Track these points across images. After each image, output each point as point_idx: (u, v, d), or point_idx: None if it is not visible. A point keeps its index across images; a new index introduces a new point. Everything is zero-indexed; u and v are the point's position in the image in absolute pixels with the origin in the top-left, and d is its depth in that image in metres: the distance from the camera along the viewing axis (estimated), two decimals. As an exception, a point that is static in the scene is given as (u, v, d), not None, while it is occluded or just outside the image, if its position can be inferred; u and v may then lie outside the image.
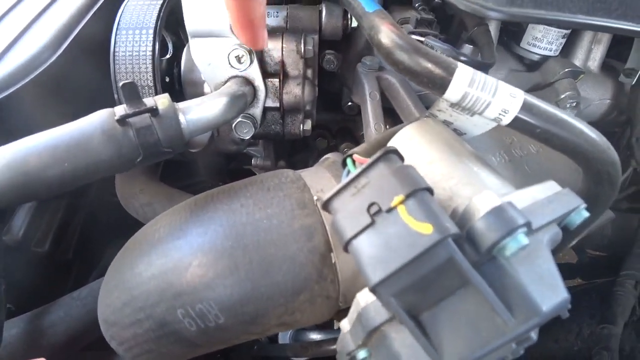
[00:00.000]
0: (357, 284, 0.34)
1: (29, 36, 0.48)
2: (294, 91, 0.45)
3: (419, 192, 0.21)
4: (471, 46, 0.53)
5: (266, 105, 0.45)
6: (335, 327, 0.85)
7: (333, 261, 0.32)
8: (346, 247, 0.22)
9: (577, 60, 0.59)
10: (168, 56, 0.50)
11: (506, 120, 0.27)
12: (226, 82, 0.42)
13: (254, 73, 0.42)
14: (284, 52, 0.45)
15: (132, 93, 0.31)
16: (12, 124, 0.44)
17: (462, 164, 0.28)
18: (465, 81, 0.26)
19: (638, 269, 0.53)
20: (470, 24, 0.54)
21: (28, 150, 0.30)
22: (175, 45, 0.52)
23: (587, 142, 0.27)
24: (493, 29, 0.56)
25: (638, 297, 0.52)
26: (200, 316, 0.31)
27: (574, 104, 0.53)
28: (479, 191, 0.25)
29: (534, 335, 0.20)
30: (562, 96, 0.53)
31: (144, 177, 0.64)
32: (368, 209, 0.21)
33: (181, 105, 0.34)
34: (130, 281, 0.33)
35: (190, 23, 0.40)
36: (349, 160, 0.27)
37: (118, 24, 0.43)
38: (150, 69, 0.42)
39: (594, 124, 0.30)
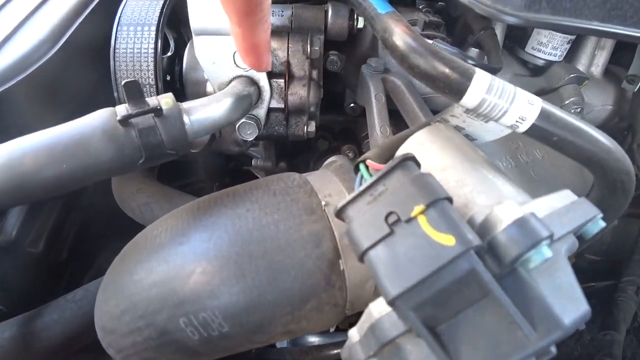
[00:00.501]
0: (365, 291, 0.33)
1: (23, 32, 0.46)
2: (299, 92, 0.44)
3: (439, 202, 0.20)
4: (477, 50, 0.53)
5: (270, 106, 0.44)
6: (332, 329, 0.84)
7: (341, 268, 0.31)
8: (362, 257, 0.21)
9: (581, 66, 0.59)
10: (170, 54, 0.48)
11: (523, 127, 0.26)
12: (230, 81, 0.41)
13: (259, 73, 0.41)
14: (289, 52, 0.44)
15: (135, 92, 0.29)
16: (6, 122, 0.43)
17: (475, 171, 0.27)
18: (483, 87, 0.26)
19: (639, 275, 0.54)
20: (477, 27, 0.53)
21: (24, 150, 0.29)
22: (177, 43, 0.50)
23: (602, 151, 0.27)
24: (499, 32, 0.56)
25: (639, 303, 0.52)
26: (203, 325, 0.30)
27: (579, 110, 0.53)
28: (494, 199, 0.25)
29: (553, 349, 0.20)
30: (567, 102, 0.53)
31: (142, 176, 0.62)
32: (386, 219, 0.21)
33: (185, 105, 0.33)
34: (129, 288, 0.32)
35: (195, 20, 0.39)
36: (362, 166, 0.26)
37: (119, 20, 0.42)
38: (152, 66, 0.41)
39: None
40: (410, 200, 0.20)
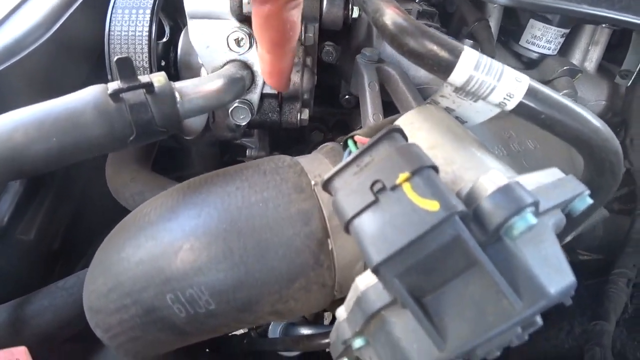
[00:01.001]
0: (354, 272, 0.33)
1: (17, 17, 0.46)
2: (293, 78, 0.44)
3: (424, 169, 0.20)
4: (471, 41, 0.53)
5: (264, 91, 0.44)
6: (327, 322, 0.84)
7: (330, 247, 0.31)
8: (347, 226, 0.21)
9: (575, 61, 0.60)
10: (165, 39, 0.48)
11: (510, 105, 0.27)
12: (224, 65, 0.41)
13: (253, 57, 0.41)
14: (284, 38, 0.44)
15: (127, 69, 0.29)
16: (14, 92, 0.43)
17: (464, 149, 0.27)
18: (470, 64, 0.26)
19: (630, 267, 0.54)
20: (471, 19, 0.54)
21: (14, 124, 0.29)
22: (172, 29, 0.50)
23: (590, 130, 0.27)
24: (493, 25, 0.57)
25: (630, 295, 0.52)
26: (190, 302, 0.30)
27: (571, 103, 0.54)
28: (482, 174, 0.25)
29: (539, 319, 0.20)
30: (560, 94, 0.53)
31: (136, 165, 0.62)
32: (371, 187, 0.21)
33: (177, 84, 0.33)
34: (117, 266, 0.32)
35: (189, 3, 0.39)
36: (350, 142, 0.26)
37: (114, 3, 0.42)
38: (146, 49, 0.41)
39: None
40: (396, 168, 0.20)
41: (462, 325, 0.20)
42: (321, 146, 0.40)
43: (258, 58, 0.35)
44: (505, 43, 0.61)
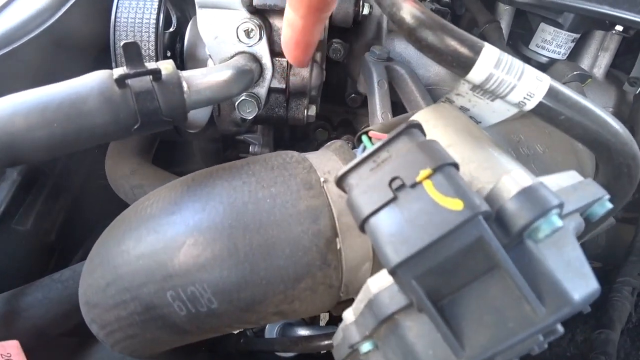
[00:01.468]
0: (361, 273, 0.32)
1: (13, 8, 0.45)
2: (302, 73, 0.44)
3: (446, 166, 0.19)
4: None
5: (272, 85, 0.43)
6: (323, 323, 0.82)
7: (338, 247, 0.30)
8: (363, 224, 0.20)
9: (583, 66, 0.59)
10: (172, 29, 0.47)
11: (530, 105, 0.26)
12: (232, 57, 0.40)
13: (262, 50, 0.40)
14: (293, 32, 0.43)
15: (134, 54, 0.28)
16: (11, 83, 0.42)
17: (481, 148, 0.27)
18: (491, 62, 0.25)
19: (634, 276, 0.53)
20: (482, 20, 0.53)
21: (15, 108, 0.28)
22: (180, 20, 0.49)
23: (609, 133, 0.26)
24: (503, 28, 0.56)
25: (634, 304, 0.51)
26: (191, 300, 0.29)
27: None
28: (500, 175, 0.24)
29: (560, 327, 0.19)
30: (569, 99, 0.53)
31: (137, 158, 0.61)
32: (390, 184, 0.20)
33: (185, 73, 0.32)
34: (116, 259, 0.30)
35: (199, -8, 0.38)
36: (365, 137, 0.25)
37: (120, -11, 0.41)
38: (152, 38, 0.40)
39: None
40: (416, 165, 0.19)
41: (481, 331, 0.19)
42: (329, 143, 0.39)
43: (284, 26, 0.30)
44: (515, 47, 0.60)
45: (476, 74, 0.25)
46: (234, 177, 0.31)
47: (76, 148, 0.30)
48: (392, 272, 0.19)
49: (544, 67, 0.58)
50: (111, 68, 0.30)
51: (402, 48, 0.54)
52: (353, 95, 0.61)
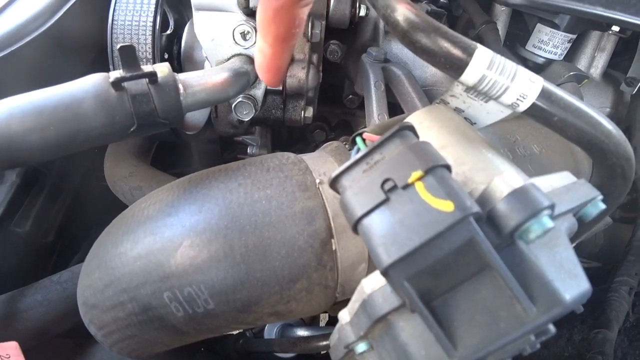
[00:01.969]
0: (356, 274, 0.33)
1: (13, 9, 0.46)
2: (298, 75, 0.44)
3: (438, 168, 0.19)
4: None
5: (268, 87, 0.44)
6: (323, 324, 0.83)
7: (333, 248, 0.30)
8: (356, 226, 0.21)
9: (580, 67, 0.60)
10: (169, 32, 0.48)
11: (523, 106, 0.26)
12: (229, 59, 0.40)
13: (259, 52, 0.40)
14: (290, 34, 0.43)
15: (130, 57, 0.29)
16: (10, 84, 0.42)
17: (475, 149, 0.27)
18: (484, 63, 0.25)
19: (632, 275, 0.53)
20: (479, 21, 0.53)
21: (11, 111, 0.28)
22: (177, 23, 0.50)
23: (603, 134, 0.26)
24: (500, 29, 0.56)
25: (632, 304, 0.51)
26: (188, 300, 0.29)
27: (577, 108, 0.53)
28: (493, 177, 0.24)
29: (552, 327, 0.19)
30: (566, 100, 0.53)
31: (135, 160, 0.61)
32: (382, 185, 0.20)
33: (181, 76, 0.32)
34: (113, 260, 0.31)
35: (195, -6, 0.38)
36: (358, 139, 0.25)
37: (118, -8, 0.41)
38: (150, 40, 0.40)
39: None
40: (408, 166, 0.20)
41: (473, 331, 0.19)
42: (325, 144, 0.40)
43: (256, 51, 0.33)
44: (512, 47, 0.60)
45: (469, 76, 0.26)
46: (230, 179, 0.31)
47: (72, 150, 0.30)
48: (384, 272, 0.19)
49: (540, 67, 0.58)
50: (109, 70, 0.30)
51: (399, 49, 0.54)
52: (351, 96, 0.62)
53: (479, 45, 0.26)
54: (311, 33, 0.44)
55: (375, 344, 0.24)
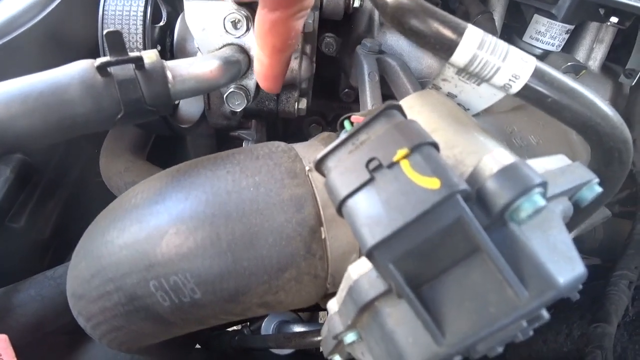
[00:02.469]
0: (348, 264, 0.32)
1: (5, 1, 0.45)
2: (291, 65, 0.43)
3: (424, 146, 0.19)
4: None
5: (261, 79, 0.43)
6: (321, 320, 0.82)
7: (323, 236, 0.30)
8: (340, 207, 0.20)
9: (578, 59, 0.59)
10: (161, 24, 0.47)
11: (515, 87, 0.25)
12: (220, 48, 0.39)
13: (250, 41, 0.39)
14: (282, 24, 0.42)
15: (117, 42, 0.28)
16: (7, 73, 0.42)
17: (466, 132, 0.26)
18: (474, 43, 0.25)
19: (632, 269, 0.52)
20: (475, 11, 0.53)
21: (-5, 97, 0.28)
22: (170, 15, 0.49)
23: (599, 116, 0.25)
24: (497, 20, 0.56)
25: (631, 298, 0.50)
26: (174, 290, 0.29)
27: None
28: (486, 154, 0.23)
29: (545, 313, 0.18)
30: (564, 91, 0.52)
31: (131, 155, 0.61)
32: (367, 165, 0.19)
33: (170, 63, 0.32)
34: (100, 250, 0.30)
35: (185, -17, 0.37)
36: (346, 122, 0.25)
37: (108, -18, 0.41)
38: (140, 29, 0.39)
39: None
40: (393, 144, 0.19)
41: (462, 317, 0.18)
42: (318, 135, 0.39)
43: (254, 60, 0.34)
44: (508, 39, 0.59)
45: (460, 56, 0.25)
46: (219, 167, 0.31)
47: (60, 137, 0.30)
48: (369, 254, 0.18)
49: (538, 59, 0.57)
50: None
51: (394, 40, 0.54)
52: (347, 90, 0.61)
53: (469, 24, 0.25)
54: (304, 23, 0.43)
55: (364, 334, 0.23)
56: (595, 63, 0.59)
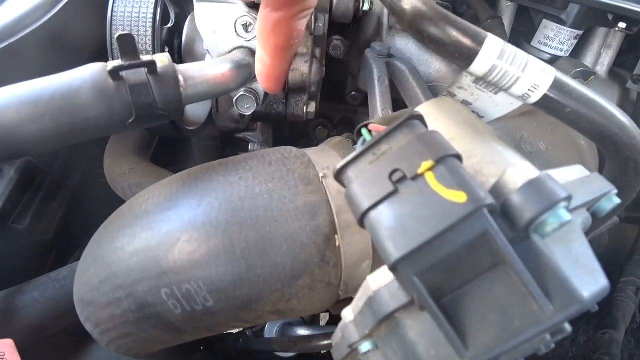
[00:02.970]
0: (360, 271, 0.32)
1: (10, 2, 0.45)
2: (301, 69, 0.43)
3: (449, 158, 0.19)
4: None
5: (270, 82, 0.43)
6: (323, 323, 0.82)
7: (337, 244, 0.29)
8: (362, 219, 0.20)
9: (586, 64, 0.59)
10: (170, 25, 0.47)
11: (534, 98, 0.25)
12: (231, 52, 0.39)
13: (261, 45, 0.39)
14: (293, 27, 0.42)
15: (129, 47, 0.28)
16: (12, 75, 0.42)
17: (484, 142, 0.26)
18: (494, 52, 0.24)
19: (639, 275, 0.52)
20: (484, 16, 0.52)
21: (6, 100, 0.27)
22: (178, 17, 0.49)
23: (617, 127, 0.25)
24: (506, 25, 0.55)
25: (638, 304, 0.51)
26: (186, 297, 0.28)
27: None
28: (504, 169, 0.23)
29: (568, 326, 0.18)
30: (573, 96, 0.52)
31: (135, 157, 0.61)
32: (390, 176, 0.19)
33: (182, 67, 0.31)
34: (110, 256, 0.30)
35: (196, -15, 0.37)
36: (364, 130, 0.24)
37: (117, -17, 0.40)
38: (150, 32, 0.39)
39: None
40: (418, 156, 0.19)
41: (486, 330, 0.18)
42: (329, 139, 0.39)
43: (256, 60, 0.34)
44: (517, 44, 0.59)
45: (479, 66, 0.25)
46: (231, 173, 0.31)
47: (70, 141, 0.29)
48: (393, 267, 0.18)
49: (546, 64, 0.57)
50: (108, 63, 0.29)
51: (403, 44, 0.53)
52: (354, 93, 0.61)
53: (489, 34, 0.25)
54: (314, 26, 0.43)
55: (381, 344, 0.23)
56: (602, 68, 0.59)
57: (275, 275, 0.29)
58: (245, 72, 0.36)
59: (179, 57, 0.48)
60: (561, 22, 0.53)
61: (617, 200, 0.24)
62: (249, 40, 0.39)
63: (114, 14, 0.39)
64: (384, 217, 0.19)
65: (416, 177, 0.18)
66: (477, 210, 0.17)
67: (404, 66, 0.49)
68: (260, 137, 0.59)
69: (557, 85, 0.25)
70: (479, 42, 0.24)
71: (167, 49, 0.46)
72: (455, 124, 0.27)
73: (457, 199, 0.17)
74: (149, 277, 0.28)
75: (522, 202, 0.18)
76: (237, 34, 0.38)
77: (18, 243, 0.57)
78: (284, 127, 0.66)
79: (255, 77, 0.41)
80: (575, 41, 0.55)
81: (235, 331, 0.67)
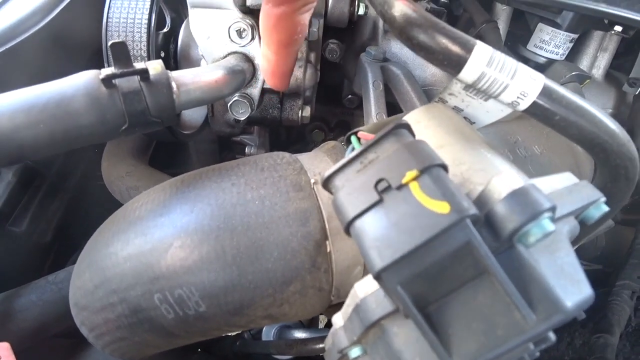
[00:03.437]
0: (352, 277, 0.32)
1: (10, 6, 0.45)
2: (295, 73, 0.43)
3: (434, 168, 0.19)
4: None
5: (265, 86, 0.43)
6: (322, 325, 0.82)
7: (328, 250, 0.30)
8: (348, 227, 0.20)
9: (582, 67, 0.59)
10: (165, 30, 0.47)
11: (523, 105, 0.25)
12: (225, 57, 0.39)
13: (255, 50, 0.39)
14: (287, 32, 0.42)
15: (122, 54, 0.28)
16: (11, 78, 0.42)
17: (473, 149, 0.26)
18: (483, 60, 0.24)
19: (634, 279, 0.52)
20: (479, 20, 0.53)
21: (0, 108, 0.27)
22: (174, 21, 0.49)
23: (607, 134, 0.25)
24: (501, 28, 0.56)
25: (634, 308, 0.50)
26: (179, 303, 0.29)
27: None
28: (492, 177, 0.23)
29: (552, 335, 0.18)
30: (568, 100, 0.52)
31: (133, 160, 0.61)
32: (375, 186, 0.19)
33: (174, 73, 0.31)
34: (104, 261, 0.30)
35: (191, -9, 0.37)
36: (353, 138, 0.24)
37: (113, -11, 0.41)
38: (144, 38, 0.39)
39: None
40: (403, 166, 0.19)
41: (470, 338, 0.18)
42: (322, 144, 0.39)
43: (261, 57, 0.34)
44: (513, 47, 0.59)
45: (468, 73, 0.25)
46: (223, 179, 0.31)
47: (64, 148, 0.30)
48: (377, 277, 0.18)
49: (542, 67, 0.57)
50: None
51: (398, 48, 0.54)
52: (350, 96, 0.61)
53: (478, 41, 0.25)
54: (309, 31, 0.43)
55: (369, 349, 0.23)
56: (598, 71, 0.59)
57: (266, 281, 0.29)
58: (238, 78, 0.37)
59: (174, 61, 0.48)
60: (557, 25, 0.53)
61: (606, 208, 0.24)
62: (242, 46, 0.39)
63: (109, 20, 0.40)
64: (368, 226, 0.19)
65: (401, 187, 0.19)
66: (460, 221, 0.17)
67: (398, 70, 0.49)
68: (257, 140, 0.60)
69: (546, 92, 0.25)
70: (468, 49, 0.25)
71: (163, 54, 0.46)
72: (445, 131, 0.27)
73: (440, 210, 0.17)
74: (142, 282, 0.29)
75: (505, 212, 0.18)
76: (231, 40, 0.39)
77: (16, 246, 0.58)
78: (281, 130, 0.66)
79: (248, 82, 0.42)
80: (571, 44, 0.56)
81: (232, 333, 0.67)
